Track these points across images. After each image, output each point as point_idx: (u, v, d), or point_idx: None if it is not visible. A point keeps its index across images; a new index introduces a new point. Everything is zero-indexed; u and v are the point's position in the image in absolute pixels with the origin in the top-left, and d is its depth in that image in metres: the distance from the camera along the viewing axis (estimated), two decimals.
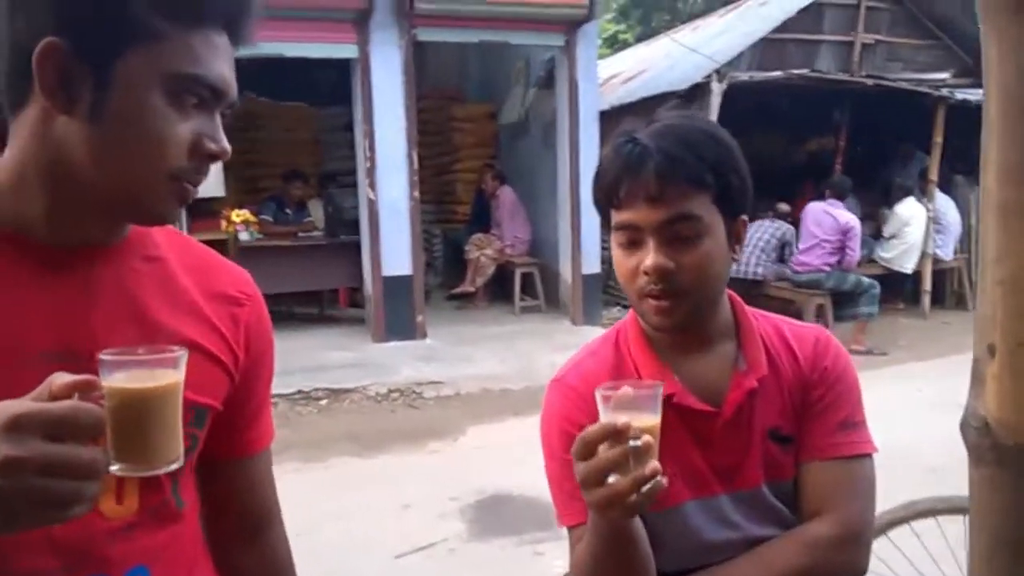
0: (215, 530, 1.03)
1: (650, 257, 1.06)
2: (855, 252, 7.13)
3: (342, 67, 7.07)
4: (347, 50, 6.74)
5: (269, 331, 1.02)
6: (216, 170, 7.01)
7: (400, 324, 7.09)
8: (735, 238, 1.13)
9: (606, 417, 0.87)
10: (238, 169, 8.38)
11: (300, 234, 7.63)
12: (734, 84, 7.74)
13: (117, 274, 0.86)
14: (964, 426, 0.64)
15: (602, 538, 0.98)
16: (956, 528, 2.23)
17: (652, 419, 0.87)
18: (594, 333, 7.19)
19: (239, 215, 7.09)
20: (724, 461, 1.14)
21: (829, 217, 7.17)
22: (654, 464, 0.85)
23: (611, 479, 0.85)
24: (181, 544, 0.92)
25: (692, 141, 1.07)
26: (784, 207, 8.03)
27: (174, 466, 0.75)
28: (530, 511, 3.87)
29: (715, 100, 7.65)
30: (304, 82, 8.62)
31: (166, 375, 0.74)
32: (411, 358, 6.64)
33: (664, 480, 0.86)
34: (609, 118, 8.51)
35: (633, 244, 1.09)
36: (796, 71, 8.02)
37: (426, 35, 7.04)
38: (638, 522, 1.00)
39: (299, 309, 8.46)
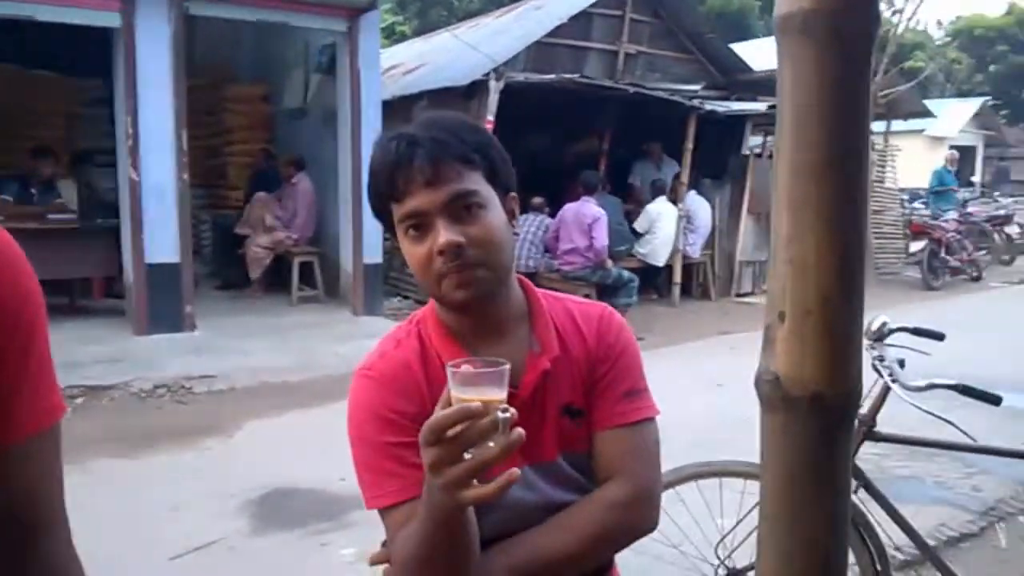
0: None
1: (441, 236, 1.11)
2: (599, 239, 7.65)
3: (103, 36, 6.48)
4: (109, 18, 6.19)
5: (9, 291, 0.76)
6: None
7: (166, 315, 6.66)
8: (510, 213, 1.23)
9: (458, 393, 0.90)
10: None
11: (49, 216, 6.90)
12: (510, 84, 8.04)
13: None
14: (758, 381, 0.77)
15: (440, 522, 1.00)
16: (713, 490, 2.54)
17: (502, 394, 0.91)
18: (376, 323, 7.20)
19: None
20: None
21: (581, 217, 7.69)
22: (520, 431, 0.89)
23: (468, 454, 0.88)
24: None
25: (454, 128, 1.17)
26: (538, 200, 8.52)
27: None
28: (314, 503, 3.80)
29: (493, 98, 7.90)
30: (59, 50, 7.79)
31: None
32: (179, 351, 6.26)
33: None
34: (391, 108, 8.51)
35: (421, 230, 1.15)
36: (567, 75, 8.47)
37: (198, 9, 6.65)
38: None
39: (46, 300, 7.65)
